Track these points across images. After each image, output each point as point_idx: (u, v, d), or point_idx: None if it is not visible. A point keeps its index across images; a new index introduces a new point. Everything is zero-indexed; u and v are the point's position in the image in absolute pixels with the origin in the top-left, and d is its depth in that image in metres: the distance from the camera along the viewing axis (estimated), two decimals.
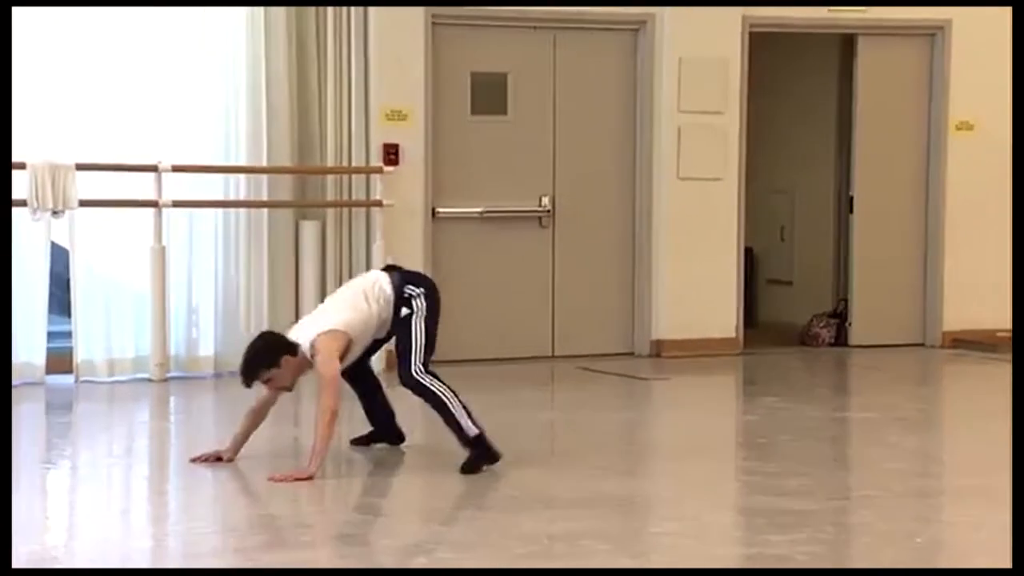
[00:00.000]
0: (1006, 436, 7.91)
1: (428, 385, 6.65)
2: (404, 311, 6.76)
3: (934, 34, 11.00)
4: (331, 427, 6.60)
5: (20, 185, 8.95)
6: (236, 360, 9.49)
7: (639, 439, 8.31)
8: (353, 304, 6.77)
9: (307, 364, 6.65)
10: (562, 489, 6.49)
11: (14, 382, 8.99)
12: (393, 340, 6.87)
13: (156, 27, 9.50)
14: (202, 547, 5.66)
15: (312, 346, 6.58)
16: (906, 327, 11.16)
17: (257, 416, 6.91)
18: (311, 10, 9.79)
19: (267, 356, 6.64)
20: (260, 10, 9.61)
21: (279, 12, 9.67)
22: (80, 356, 9.37)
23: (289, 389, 6.77)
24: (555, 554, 5.42)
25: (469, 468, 6.57)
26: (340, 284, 9.83)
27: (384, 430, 7.24)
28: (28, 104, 9.19)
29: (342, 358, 6.65)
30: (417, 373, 6.66)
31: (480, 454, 6.61)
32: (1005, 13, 10.90)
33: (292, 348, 6.62)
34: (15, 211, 8.95)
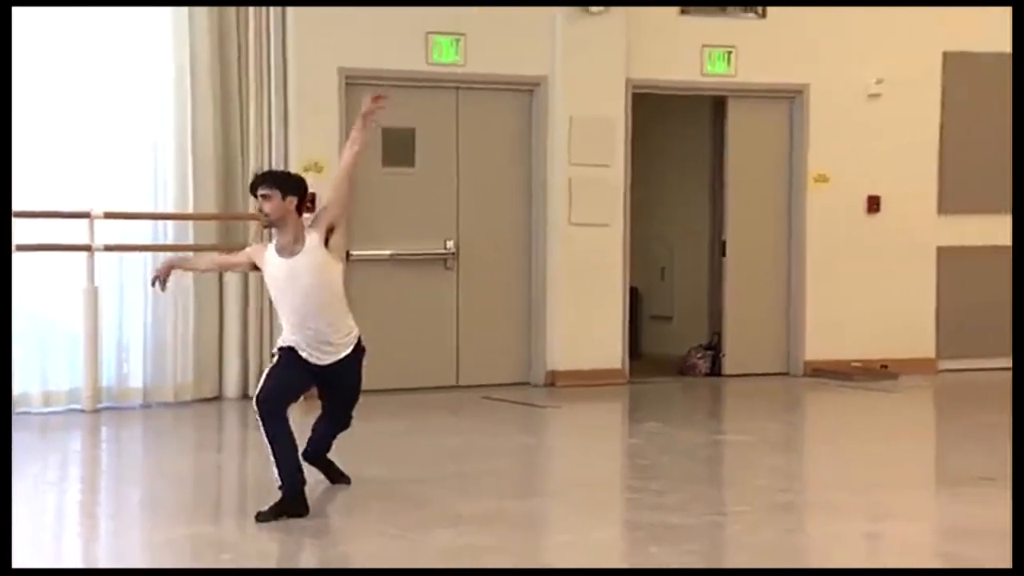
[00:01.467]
0: (863, 456, 8.06)
1: None
2: (361, 355, 6.48)
3: (794, 97, 11.16)
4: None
5: None
6: (164, 392, 9.52)
7: (535, 462, 8.31)
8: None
9: (296, 231, 6.23)
10: (467, 508, 6.47)
11: None
12: (346, 382, 6.48)
13: (85, 74, 9.40)
14: (134, 562, 5.62)
15: (315, 219, 6.35)
16: (772, 358, 11.28)
17: (213, 263, 7.21)
18: (234, 68, 9.75)
19: (290, 183, 6.30)
20: (187, 65, 9.54)
21: (204, 71, 9.61)
22: (17, 389, 9.15)
23: (268, 223, 6.35)
24: (462, 564, 5.37)
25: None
26: (262, 323, 9.82)
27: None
28: None
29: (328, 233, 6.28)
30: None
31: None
32: (858, 77, 11.13)
33: (303, 206, 6.30)
34: None
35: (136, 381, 9.52)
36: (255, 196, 6.39)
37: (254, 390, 9.57)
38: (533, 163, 10.54)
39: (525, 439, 8.87)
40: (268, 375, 6.34)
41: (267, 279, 6.41)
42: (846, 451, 8.31)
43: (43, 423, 8.93)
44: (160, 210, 9.60)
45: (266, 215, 6.29)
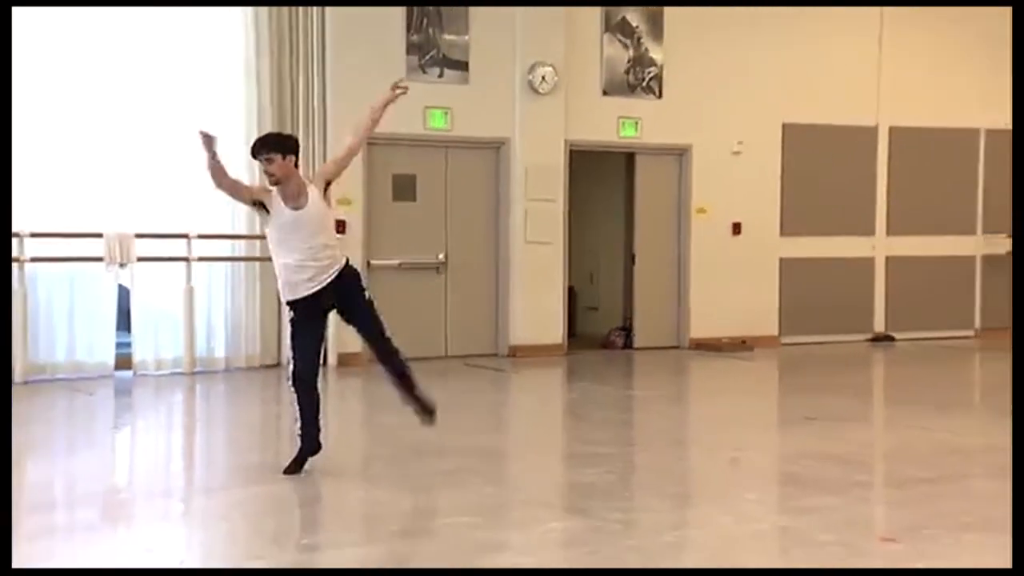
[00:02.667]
0: (728, 404, 8.15)
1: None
2: (357, 275, 5.54)
3: (682, 153, 11.21)
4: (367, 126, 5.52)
5: (98, 247, 8.81)
6: (239, 360, 9.52)
7: (500, 410, 8.35)
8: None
9: (296, 185, 5.31)
10: (450, 442, 6.48)
11: (92, 376, 8.80)
12: (358, 302, 5.55)
13: (187, 138, 9.16)
14: (215, 482, 5.61)
15: (310, 179, 5.44)
16: (668, 335, 11.31)
17: (230, 181, 5.34)
18: (288, 130, 9.60)
19: (284, 143, 5.35)
20: (254, 129, 9.45)
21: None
22: (137, 357, 9.17)
23: (274, 182, 5.30)
24: (447, 483, 5.44)
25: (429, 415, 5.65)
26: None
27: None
28: (105, 192, 9.04)
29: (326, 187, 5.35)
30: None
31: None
32: (725, 140, 11.23)
33: (296, 160, 5.33)
34: (95, 265, 8.81)
35: (220, 352, 9.49)
36: (256, 159, 5.34)
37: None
38: (500, 198, 10.56)
39: (494, 394, 8.93)
40: (293, 349, 5.45)
41: (272, 224, 5.38)
42: (716, 401, 8.39)
43: (156, 382, 8.93)
44: (236, 231, 9.53)
45: (272, 175, 5.31)
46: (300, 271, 5.36)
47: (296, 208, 5.32)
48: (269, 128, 9.50)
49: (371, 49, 9.86)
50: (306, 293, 5.39)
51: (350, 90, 9.78)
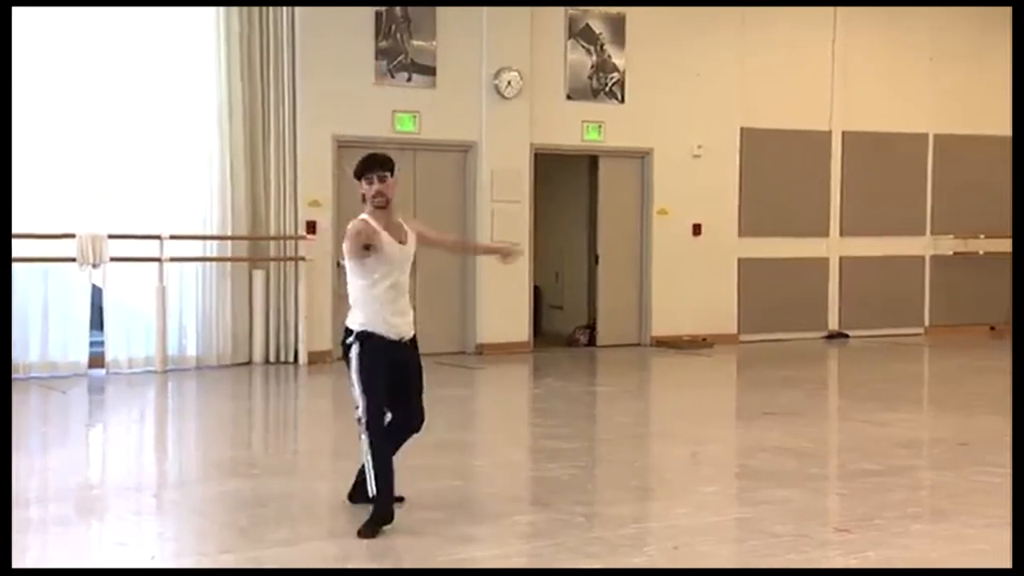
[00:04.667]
0: (687, 400, 8.20)
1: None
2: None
3: (643, 156, 11.26)
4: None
5: (71, 248, 8.71)
6: (211, 358, 9.44)
7: (468, 406, 8.33)
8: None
9: (394, 215, 4.76)
10: (419, 437, 6.43)
11: (66, 374, 8.71)
12: (414, 365, 4.80)
13: (159, 140, 9.26)
14: (187, 477, 5.59)
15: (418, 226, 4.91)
16: (630, 333, 11.35)
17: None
18: (259, 132, 9.66)
19: (392, 163, 4.76)
20: (227, 142, 9.37)
21: (239, 141, 9.47)
22: (110, 356, 9.09)
23: (383, 204, 4.71)
24: (416, 477, 5.40)
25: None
26: (281, 313, 9.76)
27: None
28: (78, 193, 8.94)
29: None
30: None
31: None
32: (685, 143, 11.29)
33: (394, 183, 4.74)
34: (68, 265, 8.72)
35: (192, 351, 9.41)
36: (361, 179, 4.73)
37: (275, 359, 9.65)
38: (467, 200, 10.56)
39: (463, 390, 8.89)
40: (365, 391, 4.56)
41: (384, 256, 4.66)
42: (677, 397, 8.44)
43: (128, 380, 8.86)
44: (207, 232, 9.47)
45: (383, 195, 4.68)
46: (395, 307, 4.65)
47: (401, 242, 4.71)
48: (240, 131, 9.49)
49: (341, 54, 9.83)
50: (385, 334, 4.60)
51: (320, 94, 9.74)
